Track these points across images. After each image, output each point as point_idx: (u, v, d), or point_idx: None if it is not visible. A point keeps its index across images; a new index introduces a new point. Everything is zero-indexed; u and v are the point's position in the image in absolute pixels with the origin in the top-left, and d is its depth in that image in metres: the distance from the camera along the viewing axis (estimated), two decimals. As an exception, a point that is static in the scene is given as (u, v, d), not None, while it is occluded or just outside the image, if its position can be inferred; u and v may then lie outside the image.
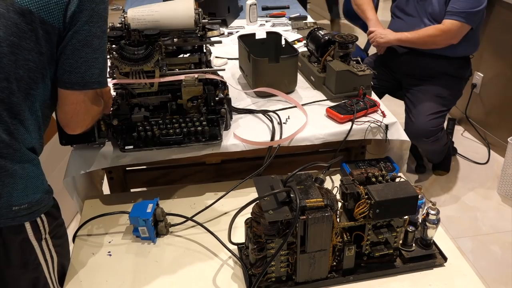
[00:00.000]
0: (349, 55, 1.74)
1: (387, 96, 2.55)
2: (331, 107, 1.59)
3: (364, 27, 2.55)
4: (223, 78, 1.51)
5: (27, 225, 1.06)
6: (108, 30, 1.45)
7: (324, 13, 5.36)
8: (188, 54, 1.56)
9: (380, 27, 2.32)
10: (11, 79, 0.98)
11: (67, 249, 1.24)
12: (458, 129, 3.15)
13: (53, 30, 1.01)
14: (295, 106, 1.65)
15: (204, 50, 1.54)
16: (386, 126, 1.55)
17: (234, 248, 1.24)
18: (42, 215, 1.09)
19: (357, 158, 1.69)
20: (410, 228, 1.21)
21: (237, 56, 1.92)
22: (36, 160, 1.08)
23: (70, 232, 1.32)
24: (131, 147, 1.38)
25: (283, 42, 1.87)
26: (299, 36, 2.37)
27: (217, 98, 1.45)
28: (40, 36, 1.00)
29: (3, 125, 0.99)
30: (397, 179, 1.18)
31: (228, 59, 2.09)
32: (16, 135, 1.01)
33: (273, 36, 1.90)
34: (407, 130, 2.11)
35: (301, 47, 2.15)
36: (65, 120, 1.15)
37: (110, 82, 1.39)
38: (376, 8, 2.51)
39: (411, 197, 1.11)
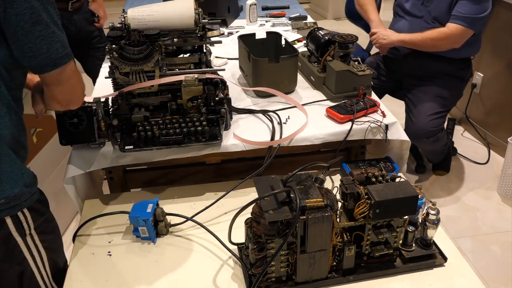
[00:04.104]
0: (349, 55, 1.74)
1: (387, 96, 2.55)
2: (331, 107, 1.59)
3: (366, 27, 2.54)
4: (223, 77, 1.52)
5: (8, 221, 1.04)
6: (108, 30, 1.45)
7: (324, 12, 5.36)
8: (188, 54, 1.56)
9: (382, 28, 2.32)
10: None
11: (59, 244, 1.23)
12: (458, 129, 3.15)
13: None
14: (295, 106, 1.65)
15: (204, 50, 1.54)
16: (386, 126, 1.55)
17: (234, 248, 1.24)
18: (25, 211, 1.07)
19: (357, 158, 1.69)
20: (410, 228, 1.21)
21: (237, 56, 1.92)
22: (12, 155, 1.04)
23: (70, 232, 1.32)
24: (131, 147, 1.38)
25: (283, 42, 1.87)
26: (299, 36, 2.37)
27: (217, 98, 1.45)
28: None
29: None
30: (397, 179, 1.18)
31: (228, 59, 2.09)
32: None
33: (273, 36, 1.90)
34: (407, 130, 2.11)
35: (301, 47, 2.15)
36: (59, 99, 1.08)
37: (116, 92, 1.37)
38: (378, 8, 2.50)
39: (411, 197, 1.11)
